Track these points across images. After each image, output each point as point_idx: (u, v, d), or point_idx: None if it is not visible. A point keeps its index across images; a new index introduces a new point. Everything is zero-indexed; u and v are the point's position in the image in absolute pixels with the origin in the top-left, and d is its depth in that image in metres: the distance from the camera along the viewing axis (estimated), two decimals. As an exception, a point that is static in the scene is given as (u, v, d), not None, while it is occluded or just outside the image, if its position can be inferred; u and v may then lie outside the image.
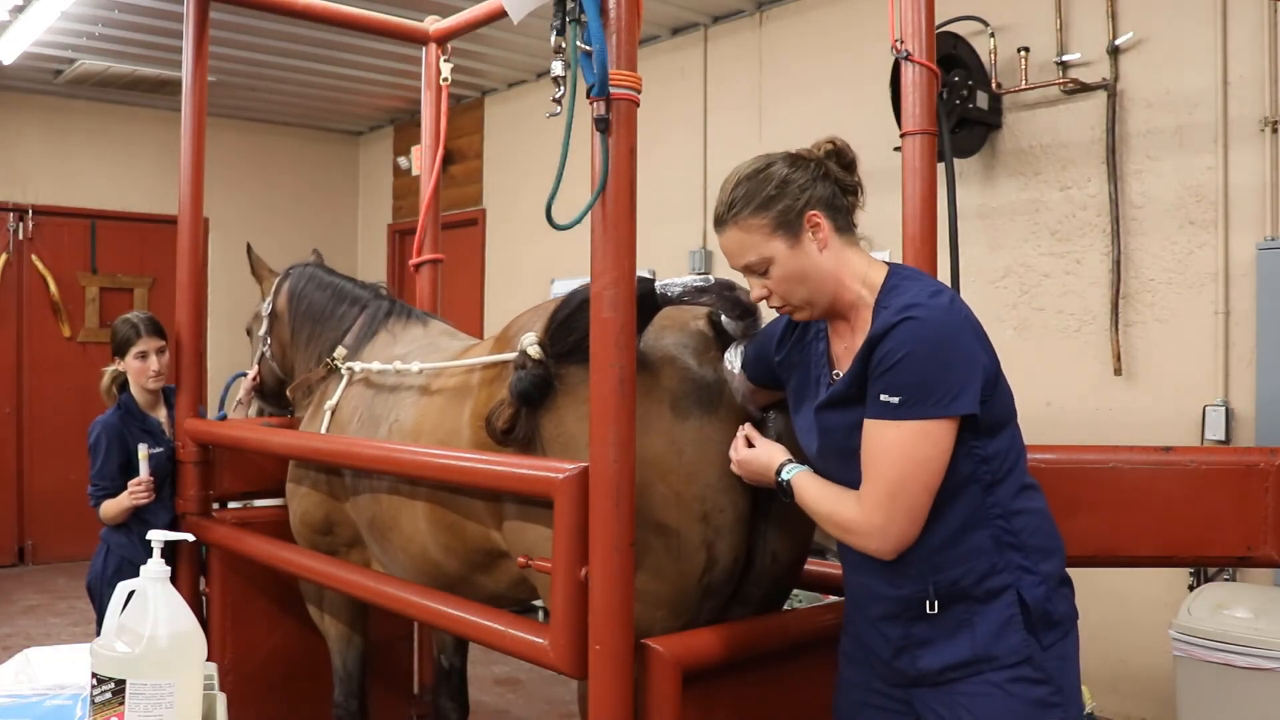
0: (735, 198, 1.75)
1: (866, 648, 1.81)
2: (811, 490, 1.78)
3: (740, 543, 2.08)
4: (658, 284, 2.07)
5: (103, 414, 3.40)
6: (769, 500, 2.07)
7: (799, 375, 1.88)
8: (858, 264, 1.76)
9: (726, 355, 2.08)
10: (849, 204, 1.80)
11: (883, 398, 1.59)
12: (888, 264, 1.79)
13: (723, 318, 2.11)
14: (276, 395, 3.45)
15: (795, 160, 1.77)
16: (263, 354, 3.39)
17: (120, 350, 3.41)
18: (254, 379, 3.47)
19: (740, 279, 1.96)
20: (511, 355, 2.21)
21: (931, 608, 1.68)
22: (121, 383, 3.43)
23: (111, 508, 3.29)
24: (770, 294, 1.78)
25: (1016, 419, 1.76)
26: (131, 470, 3.28)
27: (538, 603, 2.37)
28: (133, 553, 3.28)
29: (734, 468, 1.95)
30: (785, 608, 2.32)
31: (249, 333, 3.56)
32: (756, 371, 2.00)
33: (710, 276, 2.10)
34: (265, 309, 3.37)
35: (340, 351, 3.02)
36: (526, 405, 2.11)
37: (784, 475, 1.82)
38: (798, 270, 1.73)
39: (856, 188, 1.82)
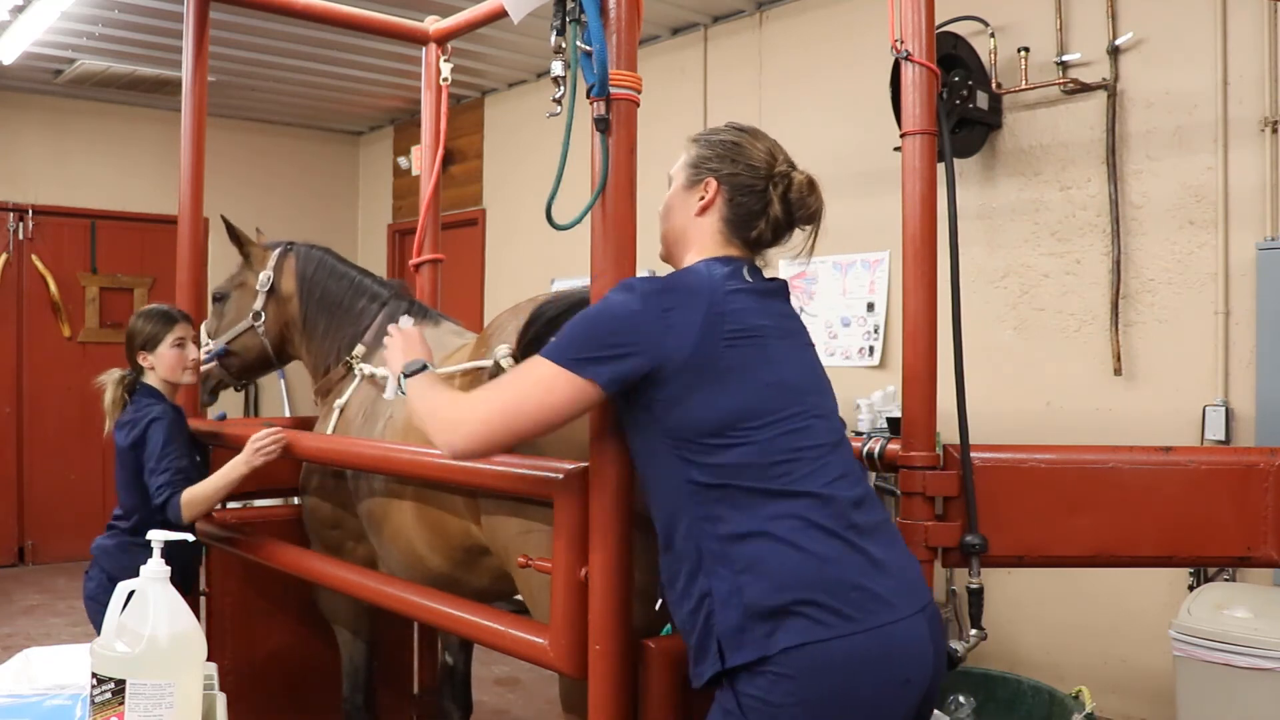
0: (712, 128, 1.86)
1: None
2: (435, 384, 1.87)
3: None
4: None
5: (131, 413, 2.92)
6: None
7: None
8: (704, 251, 1.78)
9: None
10: (759, 228, 1.77)
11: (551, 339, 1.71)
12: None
13: None
14: (249, 369, 3.39)
15: (757, 143, 1.80)
16: (252, 327, 3.28)
17: (151, 343, 3.00)
18: (214, 357, 3.27)
19: None
20: (484, 363, 2.27)
21: (658, 605, 1.74)
22: (131, 389, 3.01)
23: (205, 490, 2.74)
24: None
25: (774, 433, 1.62)
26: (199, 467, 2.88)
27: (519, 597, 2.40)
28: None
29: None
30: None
31: (219, 298, 3.37)
32: None
33: None
34: (262, 284, 3.25)
35: (359, 350, 3.05)
36: None
37: (411, 368, 1.90)
38: (671, 205, 1.85)
39: (778, 222, 1.78)
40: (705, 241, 1.79)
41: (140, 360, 3.03)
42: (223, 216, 3.51)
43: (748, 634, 1.54)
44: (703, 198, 1.79)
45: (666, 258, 1.88)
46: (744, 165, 1.78)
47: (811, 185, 1.81)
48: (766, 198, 1.77)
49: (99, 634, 2.98)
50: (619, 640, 1.82)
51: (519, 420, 1.68)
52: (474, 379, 2.36)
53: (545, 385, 1.66)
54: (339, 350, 3.11)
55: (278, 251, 3.32)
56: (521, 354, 2.18)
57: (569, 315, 2.10)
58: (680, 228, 1.82)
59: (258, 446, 2.72)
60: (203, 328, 3.33)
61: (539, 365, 1.67)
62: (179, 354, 3.01)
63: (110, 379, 3.03)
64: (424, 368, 1.90)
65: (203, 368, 3.26)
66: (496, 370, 2.19)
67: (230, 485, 2.76)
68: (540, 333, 2.15)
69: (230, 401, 7.62)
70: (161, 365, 3.01)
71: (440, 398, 1.81)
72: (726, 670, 1.56)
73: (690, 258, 1.79)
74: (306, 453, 2.83)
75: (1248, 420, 3.79)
